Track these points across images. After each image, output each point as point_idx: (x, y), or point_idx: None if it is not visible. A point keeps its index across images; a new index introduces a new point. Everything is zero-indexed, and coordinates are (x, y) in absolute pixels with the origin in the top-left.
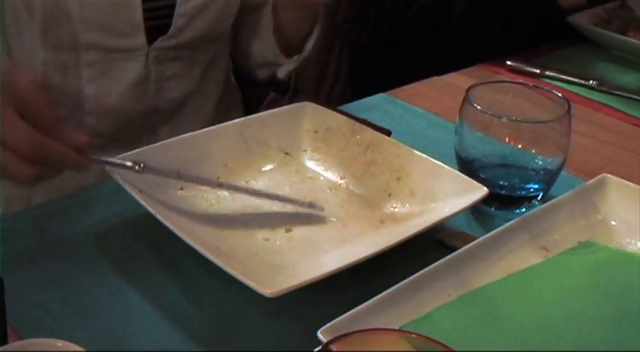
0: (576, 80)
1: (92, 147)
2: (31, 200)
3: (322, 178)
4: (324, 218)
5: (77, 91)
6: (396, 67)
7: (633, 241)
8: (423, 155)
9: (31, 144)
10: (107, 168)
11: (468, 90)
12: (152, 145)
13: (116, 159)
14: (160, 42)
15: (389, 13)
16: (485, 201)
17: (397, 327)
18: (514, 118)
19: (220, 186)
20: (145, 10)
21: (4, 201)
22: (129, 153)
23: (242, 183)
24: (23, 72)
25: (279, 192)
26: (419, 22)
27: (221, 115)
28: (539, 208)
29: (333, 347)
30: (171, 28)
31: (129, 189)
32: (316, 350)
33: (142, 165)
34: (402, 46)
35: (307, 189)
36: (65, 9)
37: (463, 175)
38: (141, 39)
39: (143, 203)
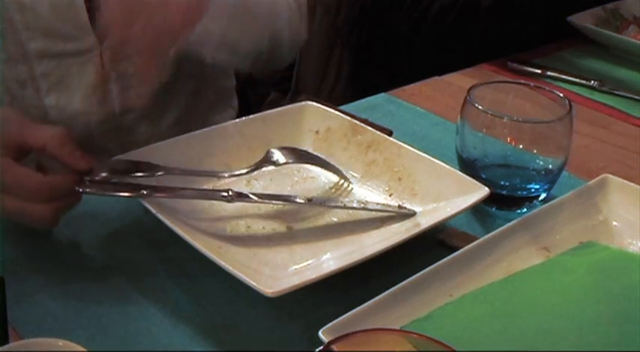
0: (577, 80)
1: None
2: None
3: (323, 178)
4: (326, 218)
5: (39, 103)
6: (396, 66)
7: (634, 241)
8: (425, 155)
9: (36, 185)
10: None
11: (469, 90)
12: (153, 145)
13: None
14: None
15: (408, 12)
16: (487, 201)
17: (398, 327)
18: (515, 118)
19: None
20: (90, 9)
21: None
22: (128, 153)
23: (243, 183)
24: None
25: (282, 192)
26: (442, 20)
27: (204, 106)
28: (540, 208)
29: (334, 347)
30: None
31: None
32: (317, 350)
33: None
34: (427, 42)
35: (308, 189)
36: (8, 18)
37: (464, 175)
38: (91, 39)
39: (144, 202)
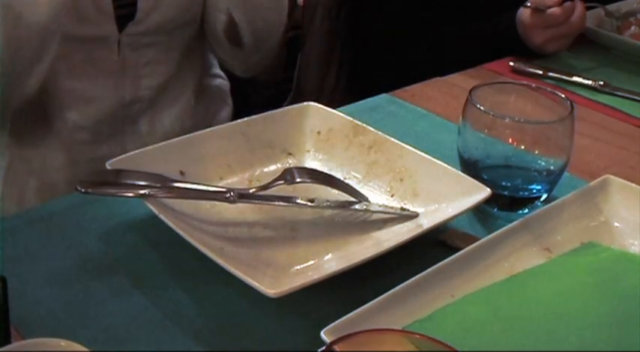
0: (579, 81)
1: (77, 142)
2: (24, 198)
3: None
4: (327, 218)
5: (55, 87)
6: (398, 67)
7: (636, 242)
8: (426, 156)
9: None
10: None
11: (470, 91)
12: (155, 145)
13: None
14: (130, 28)
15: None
16: (488, 201)
17: (400, 327)
18: (517, 119)
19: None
20: None
21: None
22: (131, 153)
23: (245, 184)
24: None
25: (283, 193)
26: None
27: (201, 105)
28: (541, 209)
29: (336, 348)
30: (137, 12)
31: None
32: (320, 350)
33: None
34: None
35: (310, 190)
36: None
37: (466, 176)
38: (111, 26)
39: (146, 203)
